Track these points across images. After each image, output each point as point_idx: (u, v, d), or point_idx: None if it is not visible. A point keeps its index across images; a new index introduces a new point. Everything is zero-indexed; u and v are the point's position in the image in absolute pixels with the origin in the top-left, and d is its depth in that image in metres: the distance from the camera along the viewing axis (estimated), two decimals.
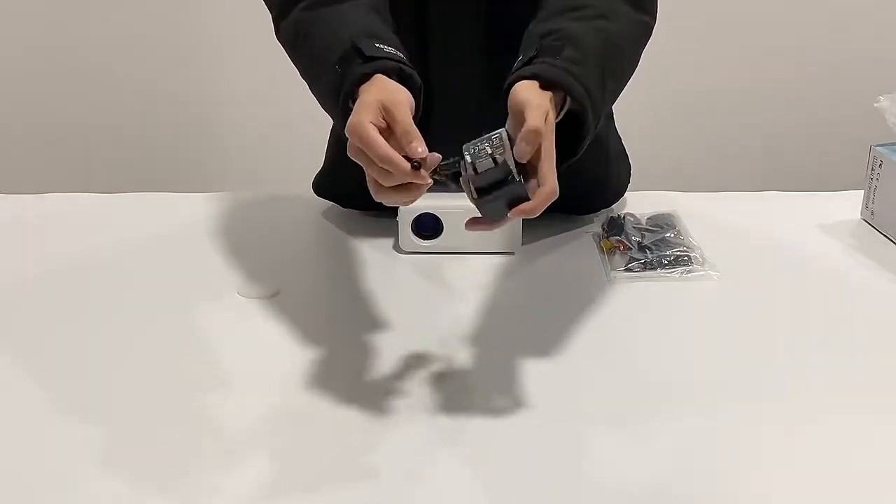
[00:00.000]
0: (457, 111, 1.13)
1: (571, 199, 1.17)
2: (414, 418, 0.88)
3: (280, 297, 1.10)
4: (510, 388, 0.93)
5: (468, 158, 0.82)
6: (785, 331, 1.04)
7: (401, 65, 0.92)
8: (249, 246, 1.23)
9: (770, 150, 2.34)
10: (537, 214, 0.84)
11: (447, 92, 1.13)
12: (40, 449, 0.84)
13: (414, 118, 0.87)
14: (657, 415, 0.89)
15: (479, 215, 0.87)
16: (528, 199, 0.83)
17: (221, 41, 2.24)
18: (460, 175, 0.85)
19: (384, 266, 1.17)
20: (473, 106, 1.13)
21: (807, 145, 2.33)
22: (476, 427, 0.87)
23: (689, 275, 1.14)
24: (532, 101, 0.86)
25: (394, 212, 1.17)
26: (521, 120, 0.86)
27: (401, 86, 0.90)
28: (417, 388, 0.93)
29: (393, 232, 1.20)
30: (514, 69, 0.94)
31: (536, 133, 0.84)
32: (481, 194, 0.83)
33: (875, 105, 1.23)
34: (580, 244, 1.23)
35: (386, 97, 0.86)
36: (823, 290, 1.12)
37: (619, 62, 1.00)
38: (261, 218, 1.31)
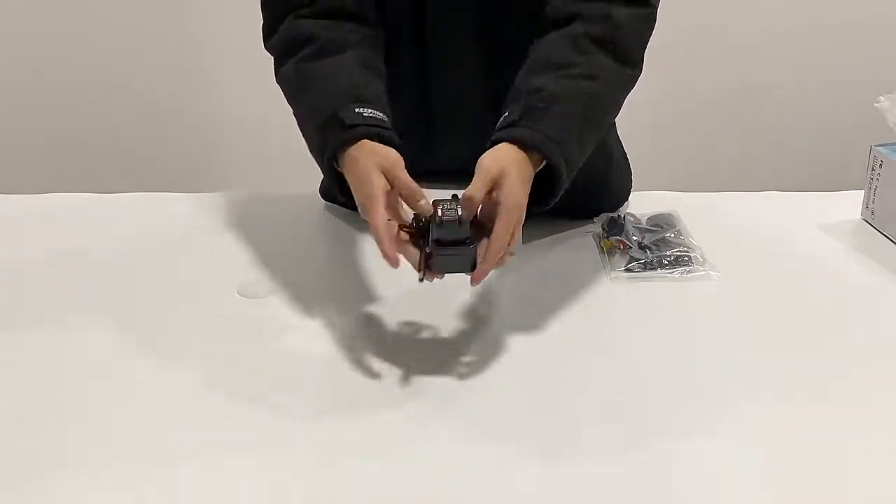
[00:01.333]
0: (457, 122, 1.15)
1: (574, 202, 1.18)
2: (413, 417, 0.89)
3: (280, 297, 1.10)
4: (509, 388, 0.93)
5: (439, 212, 0.90)
6: (785, 331, 1.04)
7: (380, 128, 0.98)
8: (249, 246, 1.23)
9: (770, 150, 2.34)
10: (486, 274, 0.92)
11: (447, 104, 1.15)
12: (32, 448, 0.84)
13: None
14: (657, 414, 0.89)
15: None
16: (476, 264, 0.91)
17: (223, 41, 2.24)
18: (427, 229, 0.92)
19: (384, 266, 1.17)
20: (473, 117, 1.15)
21: (807, 145, 2.33)
22: (475, 426, 0.87)
23: (689, 275, 1.14)
24: (508, 198, 0.91)
25: None
26: (493, 185, 0.92)
27: (389, 147, 0.96)
28: (417, 388, 0.93)
29: None
30: (499, 126, 0.98)
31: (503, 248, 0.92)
32: (440, 246, 0.90)
33: (875, 105, 1.23)
34: (580, 244, 1.23)
35: (382, 161, 0.94)
36: (823, 289, 1.12)
37: (599, 122, 1.04)
38: (261, 218, 1.31)
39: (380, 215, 0.91)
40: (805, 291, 1.12)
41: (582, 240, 1.24)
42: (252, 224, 1.29)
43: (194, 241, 1.24)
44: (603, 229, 1.24)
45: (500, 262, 0.92)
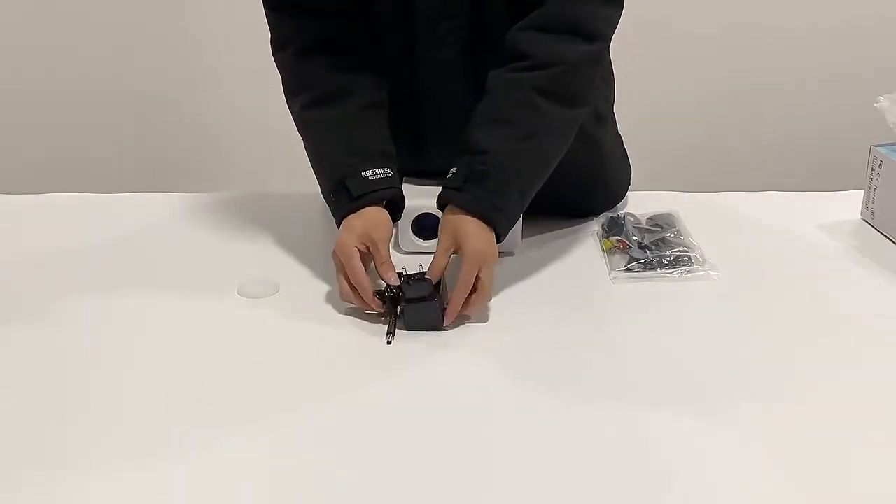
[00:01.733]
0: (443, 129, 1.18)
1: (570, 198, 1.18)
2: (413, 415, 0.89)
3: (280, 296, 1.10)
4: (510, 387, 0.93)
5: (406, 272, 1.05)
6: (785, 330, 1.04)
7: (384, 189, 1.08)
8: (249, 246, 1.23)
9: (770, 150, 2.34)
10: (454, 316, 1.02)
11: (435, 114, 1.17)
12: (32, 448, 0.85)
13: (395, 220, 1.11)
14: (656, 414, 0.89)
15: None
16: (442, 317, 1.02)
17: (223, 41, 2.24)
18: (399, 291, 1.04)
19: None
20: (458, 124, 1.17)
21: (807, 146, 2.33)
22: (475, 425, 0.87)
23: (689, 275, 1.14)
24: (467, 248, 1.01)
25: None
26: (453, 247, 1.04)
27: (385, 218, 1.09)
28: (417, 387, 0.93)
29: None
30: (447, 182, 1.05)
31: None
32: (408, 303, 1.01)
33: (875, 105, 1.24)
34: (580, 244, 1.23)
35: (372, 230, 1.06)
36: (823, 290, 1.13)
37: (543, 173, 1.09)
38: (261, 218, 1.31)
39: (356, 266, 1.03)
40: (804, 291, 1.12)
41: (582, 240, 1.24)
42: (252, 224, 1.29)
43: (194, 241, 1.24)
44: (603, 229, 1.24)
45: (469, 306, 1.02)
